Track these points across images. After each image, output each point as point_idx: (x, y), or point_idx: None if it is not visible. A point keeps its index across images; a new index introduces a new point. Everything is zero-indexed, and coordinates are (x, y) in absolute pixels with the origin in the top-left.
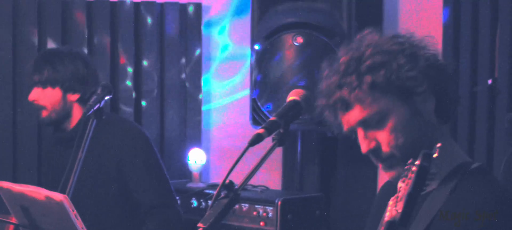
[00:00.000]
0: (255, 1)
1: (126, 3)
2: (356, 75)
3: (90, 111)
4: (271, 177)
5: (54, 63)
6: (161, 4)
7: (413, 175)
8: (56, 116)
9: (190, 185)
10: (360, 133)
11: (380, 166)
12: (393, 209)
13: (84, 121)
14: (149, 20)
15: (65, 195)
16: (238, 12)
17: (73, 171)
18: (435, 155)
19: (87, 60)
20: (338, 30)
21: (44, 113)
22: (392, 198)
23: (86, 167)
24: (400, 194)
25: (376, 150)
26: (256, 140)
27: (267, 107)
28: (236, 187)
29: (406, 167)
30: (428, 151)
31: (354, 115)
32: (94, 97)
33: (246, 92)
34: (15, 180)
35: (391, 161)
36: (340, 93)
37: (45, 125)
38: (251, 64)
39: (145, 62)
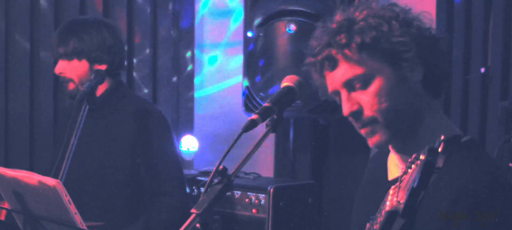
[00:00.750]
0: None
1: None
2: (346, 35)
3: (83, 97)
4: (263, 164)
5: (79, 34)
6: None
7: (417, 169)
8: (95, 83)
9: None
10: (344, 94)
11: (362, 132)
12: (394, 199)
13: (75, 106)
14: (143, 6)
15: (58, 180)
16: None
17: (66, 156)
18: (439, 149)
19: (114, 29)
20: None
21: (71, 86)
22: (393, 186)
23: (100, 144)
24: (402, 184)
25: (358, 113)
26: (249, 126)
27: (260, 95)
28: (229, 173)
29: (409, 160)
30: (432, 145)
31: (339, 74)
32: (87, 83)
33: (239, 79)
34: (7, 165)
35: (373, 126)
36: (329, 51)
37: (72, 98)
38: (244, 52)
39: (142, 51)
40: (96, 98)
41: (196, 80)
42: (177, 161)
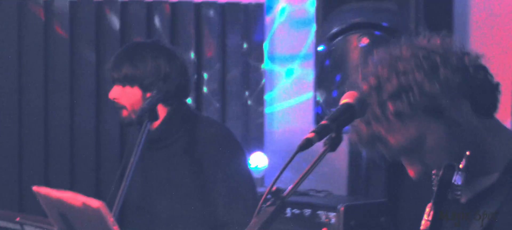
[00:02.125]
0: (319, 1)
1: (186, 3)
2: (379, 106)
3: (142, 115)
4: (336, 182)
5: (133, 59)
6: (222, 5)
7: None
8: (156, 99)
9: None
10: (404, 160)
11: None
12: (426, 220)
13: (136, 123)
14: (211, 21)
15: (102, 202)
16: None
17: (125, 177)
18: (460, 165)
19: (173, 55)
20: (406, 30)
21: (124, 113)
22: (428, 205)
23: (168, 173)
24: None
25: (425, 173)
26: (305, 145)
27: (332, 110)
28: (283, 195)
29: (433, 177)
30: (451, 162)
31: (390, 146)
32: (148, 99)
33: (310, 94)
34: (72, 182)
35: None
36: (370, 130)
37: (125, 125)
38: (314, 66)
39: (210, 66)
40: (158, 115)
41: (267, 95)
42: (247, 184)
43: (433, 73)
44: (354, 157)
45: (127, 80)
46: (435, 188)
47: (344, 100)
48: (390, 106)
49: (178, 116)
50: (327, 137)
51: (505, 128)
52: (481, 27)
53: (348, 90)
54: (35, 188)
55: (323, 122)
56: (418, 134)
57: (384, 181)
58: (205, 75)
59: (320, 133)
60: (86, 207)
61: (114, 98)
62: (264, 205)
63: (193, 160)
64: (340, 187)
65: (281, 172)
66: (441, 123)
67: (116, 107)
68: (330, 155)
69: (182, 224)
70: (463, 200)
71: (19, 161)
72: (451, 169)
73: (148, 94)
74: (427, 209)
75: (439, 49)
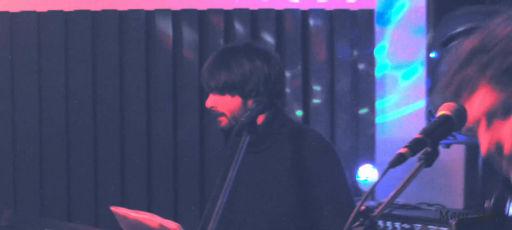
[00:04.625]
0: (430, 6)
1: (293, 11)
2: (486, 55)
3: (242, 128)
4: (452, 195)
5: (229, 66)
6: (330, 12)
7: None
8: (256, 112)
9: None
10: (481, 128)
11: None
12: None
13: (233, 138)
14: (318, 29)
15: (178, 224)
16: (411, 19)
17: (223, 189)
18: None
19: (268, 55)
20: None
21: (224, 121)
22: None
23: (266, 177)
24: None
25: (497, 153)
26: (398, 161)
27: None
28: (373, 214)
29: None
30: None
31: (479, 100)
32: (248, 112)
33: (423, 103)
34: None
35: None
36: (466, 73)
37: (224, 132)
38: (426, 73)
39: (318, 76)
40: (258, 127)
41: (378, 104)
42: (347, 195)
43: None
44: (470, 168)
45: (226, 89)
46: None
47: (441, 112)
48: (500, 58)
49: (277, 120)
50: (422, 151)
51: None
52: None
53: (437, 96)
54: (113, 209)
55: (417, 136)
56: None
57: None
58: (316, 88)
59: (413, 148)
60: (163, 228)
61: (212, 107)
62: (353, 226)
63: (295, 164)
64: (455, 201)
65: (370, 192)
66: None
67: (214, 115)
68: (447, 167)
69: (275, 227)
70: None
71: (95, 176)
72: None
73: (250, 102)
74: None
75: None
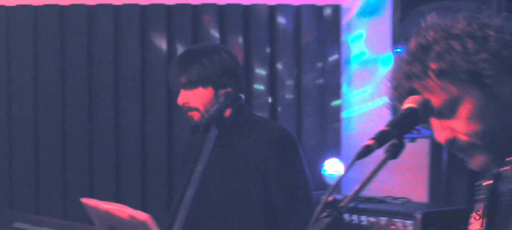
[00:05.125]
0: (396, 1)
1: (260, 6)
2: (421, 64)
3: (210, 122)
4: (416, 189)
5: (200, 60)
6: (297, 7)
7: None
8: (225, 105)
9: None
10: (434, 123)
11: (461, 155)
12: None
13: (203, 130)
14: (285, 23)
15: (149, 215)
16: (377, 13)
17: (191, 183)
18: (506, 168)
19: (231, 52)
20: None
21: (197, 116)
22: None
23: (228, 172)
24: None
25: (453, 141)
26: (364, 152)
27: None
28: (340, 205)
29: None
30: (496, 170)
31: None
32: (216, 106)
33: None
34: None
35: (472, 150)
36: (408, 84)
37: (198, 130)
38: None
39: (280, 67)
40: (226, 120)
41: (344, 99)
42: (306, 187)
43: (484, 43)
44: (435, 162)
45: (199, 81)
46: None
47: (407, 105)
48: (433, 65)
49: (242, 113)
50: (389, 143)
51: None
52: None
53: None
54: (83, 200)
55: (383, 128)
56: (455, 96)
57: (466, 187)
58: (284, 83)
59: (380, 139)
60: (133, 219)
61: (184, 104)
62: (320, 216)
63: (257, 155)
64: (420, 195)
65: (337, 183)
66: (481, 92)
67: (185, 112)
68: (412, 161)
69: (241, 217)
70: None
71: (63, 169)
72: (497, 176)
73: (220, 91)
74: (476, 218)
75: (495, 25)
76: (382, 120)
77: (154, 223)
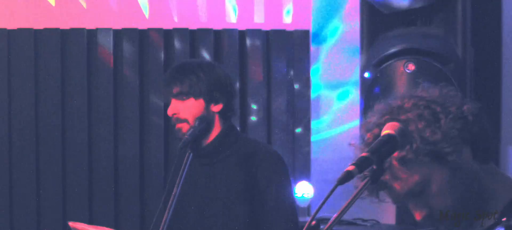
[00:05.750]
0: (364, 27)
1: (230, 30)
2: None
3: (187, 144)
4: (384, 211)
5: (195, 71)
6: (267, 32)
7: None
8: (199, 130)
9: None
10: (410, 205)
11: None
12: None
13: (179, 153)
14: (255, 48)
15: None
16: (346, 40)
17: (168, 207)
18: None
19: (226, 71)
20: (453, 56)
21: (185, 128)
22: None
23: (218, 188)
24: None
25: (429, 216)
26: (345, 178)
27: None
28: (323, 228)
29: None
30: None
31: (396, 192)
32: (191, 130)
33: (356, 123)
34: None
35: (451, 222)
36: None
37: (182, 146)
38: (361, 93)
39: (255, 94)
40: (202, 148)
41: (313, 124)
42: (292, 206)
43: (435, 122)
44: None
45: (191, 92)
46: None
47: (385, 131)
48: (395, 154)
49: (232, 133)
50: (369, 169)
51: (501, 172)
52: None
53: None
54: (71, 224)
55: (363, 154)
56: (422, 178)
57: None
58: (253, 106)
59: (360, 165)
60: None
61: (173, 114)
62: None
63: (245, 175)
64: (388, 216)
65: (320, 207)
66: (444, 168)
67: (174, 124)
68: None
69: None
70: None
71: (63, 193)
72: None
73: (211, 106)
74: None
75: (438, 100)
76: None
77: None
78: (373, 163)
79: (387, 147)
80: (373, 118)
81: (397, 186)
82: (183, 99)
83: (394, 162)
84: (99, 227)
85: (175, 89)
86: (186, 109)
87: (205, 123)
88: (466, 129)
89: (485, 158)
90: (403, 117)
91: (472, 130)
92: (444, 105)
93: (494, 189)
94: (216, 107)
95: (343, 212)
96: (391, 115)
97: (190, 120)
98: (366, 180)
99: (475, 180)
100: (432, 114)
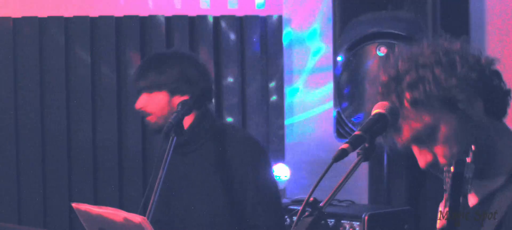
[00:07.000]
0: (336, 12)
1: (206, 17)
2: (396, 95)
3: (169, 130)
4: (357, 192)
5: (158, 66)
6: (241, 18)
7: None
8: (164, 121)
9: None
10: (415, 149)
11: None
12: (441, 219)
13: (162, 140)
14: (230, 34)
15: (144, 217)
16: (320, 23)
17: (154, 191)
18: (468, 159)
19: (195, 60)
20: (423, 39)
21: (153, 120)
22: (441, 203)
23: (197, 176)
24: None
25: (434, 163)
26: (340, 155)
27: (355, 119)
28: (320, 205)
29: (444, 173)
30: (461, 158)
31: (404, 134)
32: (174, 114)
33: (330, 104)
34: (96, 198)
35: None
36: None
37: (154, 133)
38: (334, 76)
39: (229, 79)
40: (184, 130)
41: (287, 107)
42: (273, 189)
43: (451, 69)
44: (374, 166)
45: (155, 86)
46: (447, 186)
47: (375, 110)
48: (407, 95)
49: (205, 121)
50: (361, 146)
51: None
52: (498, 35)
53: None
54: (74, 205)
55: (356, 132)
56: (431, 123)
57: (404, 189)
58: (228, 89)
59: (354, 143)
60: (127, 222)
61: (140, 108)
62: (302, 216)
63: (222, 162)
64: (361, 197)
65: (318, 183)
66: (455, 115)
67: (143, 116)
68: (350, 165)
69: (209, 225)
70: (472, 202)
71: (43, 178)
72: (461, 164)
73: (175, 97)
74: (441, 208)
75: (458, 50)
76: (322, 127)
77: (149, 225)
78: (366, 141)
79: (378, 125)
80: (393, 61)
81: (405, 127)
82: (148, 93)
83: (406, 104)
84: (103, 207)
85: (141, 83)
86: (152, 103)
87: (187, 106)
88: (481, 80)
89: (498, 115)
90: (420, 61)
91: (487, 83)
92: (463, 56)
93: (503, 145)
94: (182, 99)
95: (338, 189)
96: (410, 60)
97: (156, 112)
98: (359, 157)
99: (484, 134)
100: (449, 61)
